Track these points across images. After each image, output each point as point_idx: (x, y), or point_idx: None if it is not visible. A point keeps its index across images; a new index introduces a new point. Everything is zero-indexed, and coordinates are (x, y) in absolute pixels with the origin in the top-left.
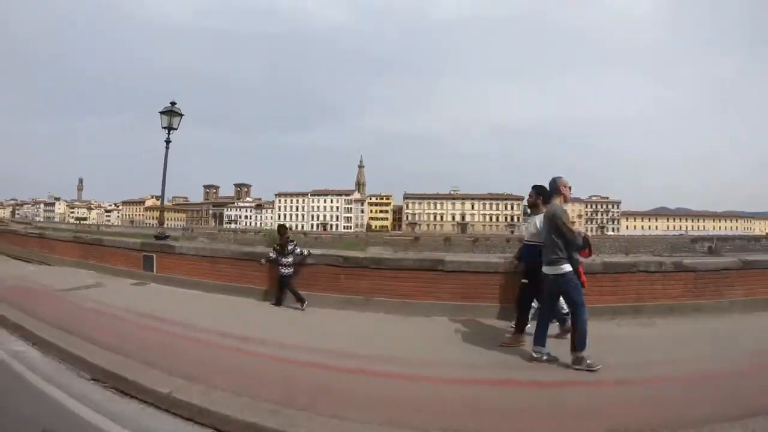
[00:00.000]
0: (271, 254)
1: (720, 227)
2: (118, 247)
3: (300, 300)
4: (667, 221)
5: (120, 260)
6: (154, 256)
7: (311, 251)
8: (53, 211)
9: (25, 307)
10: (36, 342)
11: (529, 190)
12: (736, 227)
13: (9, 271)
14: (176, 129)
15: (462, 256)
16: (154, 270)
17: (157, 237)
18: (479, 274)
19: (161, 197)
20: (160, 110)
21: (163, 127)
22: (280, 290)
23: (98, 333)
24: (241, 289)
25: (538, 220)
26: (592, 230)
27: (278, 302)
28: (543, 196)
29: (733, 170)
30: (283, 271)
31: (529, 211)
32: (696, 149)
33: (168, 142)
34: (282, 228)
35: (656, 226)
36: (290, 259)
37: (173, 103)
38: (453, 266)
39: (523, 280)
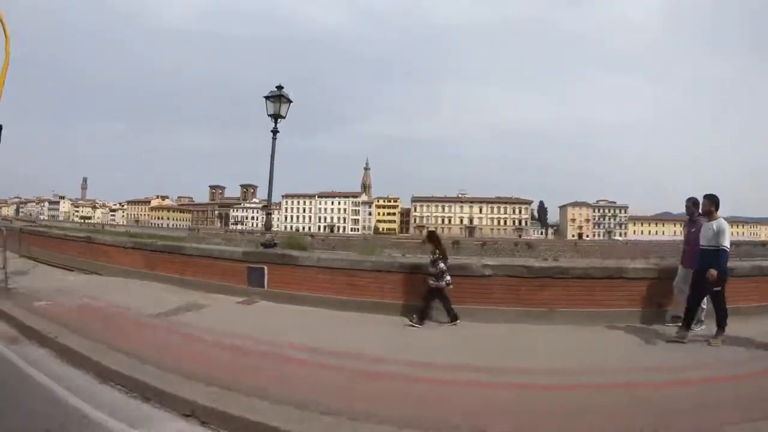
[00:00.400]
0: (441, 265)
1: None
2: (210, 257)
3: (454, 315)
4: (674, 226)
5: (212, 272)
6: (265, 268)
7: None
8: (57, 209)
9: (126, 346)
10: (191, 410)
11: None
12: (743, 233)
13: (52, 281)
14: (284, 117)
15: (636, 263)
16: (265, 285)
17: (265, 245)
18: (651, 280)
19: (268, 196)
20: (266, 95)
21: (268, 115)
22: (436, 304)
23: (280, 388)
24: (381, 305)
25: (716, 225)
26: (599, 235)
27: (423, 318)
28: (716, 204)
29: (734, 173)
30: (438, 282)
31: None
32: (696, 153)
33: (275, 132)
34: (434, 234)
35: (663, 231)
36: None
37: (280, 87)
38: (635, 273)
39: (716, 288)
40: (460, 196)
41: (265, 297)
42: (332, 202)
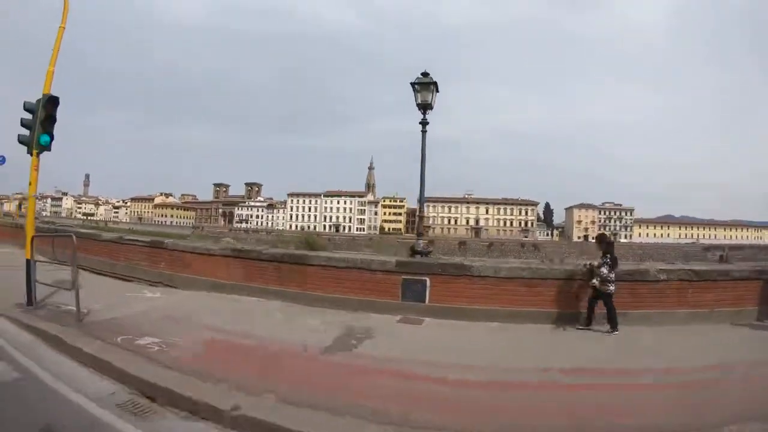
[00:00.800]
0: (603, 270)
1: (729, 236)
2: (349, 269)
3: (615, 323)
4: (679, 229)
5: (351, 287)
6: (427, 280)
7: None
8: (60, 206)
9: (379, 413)
10: None
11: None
12: (747, 236)
13: (128, 302)
14: (432, 108)
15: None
16: (426, 299)
17: (419, 252)
18: None
19: (420, 197)
20: (412, 81)
21: (417, 104)
22: (593, 310)
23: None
24: (562, 315)
25: None
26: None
27: (590, 322)
28: None
29: (736, 177)
30: (609, 288)
31: None
32: (698, 156)
33: (425, 123)
34: (606, 238)
35: (668, 234)
36: (613, 275)
37: (426, 74)
38: None
39: None
40: (466, 196)
41: (426, 313)
42: (338, 202)
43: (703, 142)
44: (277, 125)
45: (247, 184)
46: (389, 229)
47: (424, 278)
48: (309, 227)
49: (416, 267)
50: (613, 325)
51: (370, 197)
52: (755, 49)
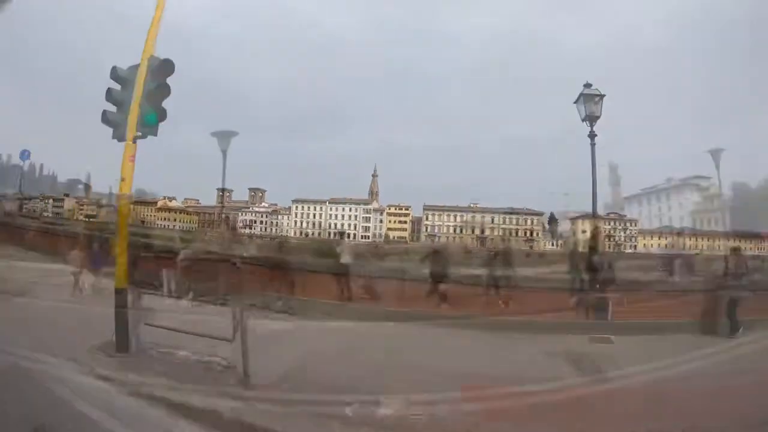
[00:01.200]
0: (744, 281)
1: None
2: (523, 288)
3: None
4: (686, 240)
5: (521, 305)
6: (609, 297)
7: None
8: (62, 207)
9: None
10: None
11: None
12: (750, 247)
13: (270, 339)
14: (599, 117)
15: None
16: (609, 316)
17: (595, 269)
18: None
19: (593, 209)
20: (581, 92)
21: (583, 117)
22: (736, 317)
23: None
24: (694, 325)
25: None
26: (610, 248)
27: (736, 329)
28: None
29: (738, 187)
30: (742, 294)
31: None
32: (700, 167)
33: (593, 136)
34: (740, 250)
35: (672, 245)
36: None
37: (589, 85)
38: None
39: None
40: (471, 206)
41: (609, 330)
42: (342, 209)
43: (702, 146)
44: (281, 130)
45: (250, 190)
46: (394, 237)
47: (606, 295)
48: (313, 234)
49: (597, 284)
50: (734, 330)
51: (375, 205)
52: (756, 51)
